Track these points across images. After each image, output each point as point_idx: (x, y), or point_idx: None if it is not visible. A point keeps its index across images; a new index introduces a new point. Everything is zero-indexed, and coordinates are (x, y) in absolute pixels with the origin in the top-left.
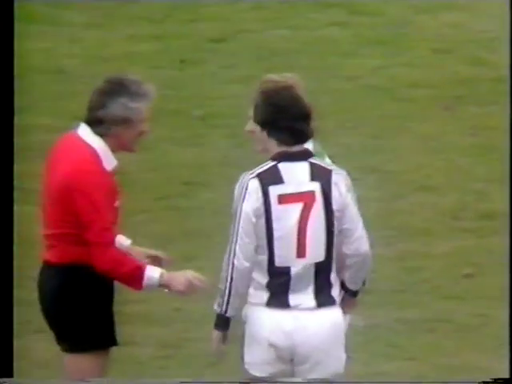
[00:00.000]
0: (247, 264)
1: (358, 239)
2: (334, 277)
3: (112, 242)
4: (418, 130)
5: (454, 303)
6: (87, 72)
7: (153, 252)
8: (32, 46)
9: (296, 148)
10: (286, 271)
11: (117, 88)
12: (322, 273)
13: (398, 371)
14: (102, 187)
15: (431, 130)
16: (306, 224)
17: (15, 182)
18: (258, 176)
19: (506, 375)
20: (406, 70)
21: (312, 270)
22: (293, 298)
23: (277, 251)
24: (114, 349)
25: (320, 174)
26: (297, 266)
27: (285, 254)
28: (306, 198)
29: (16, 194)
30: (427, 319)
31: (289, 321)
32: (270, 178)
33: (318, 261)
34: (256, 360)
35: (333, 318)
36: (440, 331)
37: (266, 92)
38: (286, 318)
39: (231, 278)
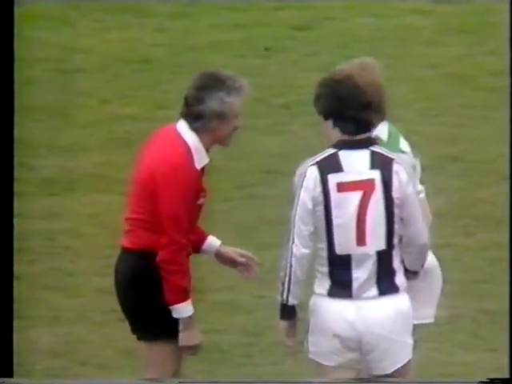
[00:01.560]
0: (305, 250)
1: (416, 230)
2: (397, 264)
3: (183, 245)
4: (500, 120)
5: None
6: (172, 61)
7: (246, 253)
8: (117, 36)
9: (358, 136)
10: (346, 259)
11: (213, 83)
12: (383, 261)
13: (479, 362)
14: (188, 184)
15: None
16: (365, 212)
17: (99, 172)
18: (317, 164)
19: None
20: (489, 59)
21: (374, 258)
22: (355, 287)
23: (336, 239)
24: None
25: (381, 163)
26: (357, 254)
27: (345, 242)
28: (366, 187)
29: (101, 184)
30: (508, 310)
31: (352, 310)
32: (330, 166)
33: (379, 249)
34: (322, 350)
35: (397, 305)
36: None
37: (326, 83)
38: (348, 307)
39: (290, 265)
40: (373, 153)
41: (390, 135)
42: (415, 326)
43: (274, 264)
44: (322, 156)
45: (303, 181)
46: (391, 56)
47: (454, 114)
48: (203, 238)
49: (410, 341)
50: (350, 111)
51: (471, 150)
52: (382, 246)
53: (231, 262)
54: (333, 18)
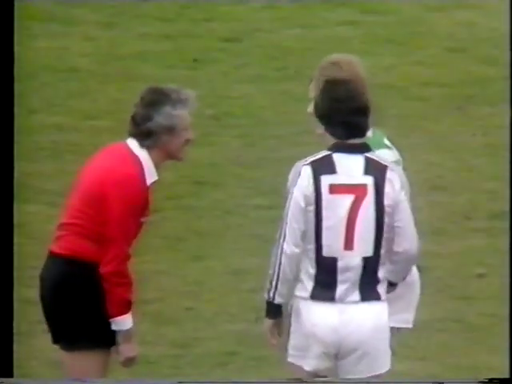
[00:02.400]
0: (296, 249)
1: (408, 238)
2: (382, 274)
3: (128, 257)
4: (430, 129)
5: (466, 303)
6: (100, 71)
7: None
8: (45, 44)
9: (352, 140)
10: (332, 262)
11: (159, 98)
12: (369, 268)
13: (409, 371)
14: (139, 196)
15: (443, 130)
16: (355, 217)
17: (26, 182)
18: (311, 164)
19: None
20: (418, 69)
21: (360, 264)
22: (339, 291)
23: (325, 241)
24: None
25: (374, 169)
26: (344, 258)
27: (332, 245)
28: (358, 191)
29: (27, 194)
30: (438, 319)
31: (334, 314)
32: (323, 167)
33: (365, 255)
34: (303, 353)
35: (377, 312)
36: (451, 331)
37: (322, 86)
38: (331, 311)
39: (280, 263)
40: (367, 158)
41: (374, 132)
42: (392, 333)
43: (202, 276)
44: (317, 157)
45: (297, 179)
46: None
47: (383, 124)
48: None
49: (389, 351)
50: (342, 116)
51: (402, 160)
52: (369, 252)
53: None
54: (262, 29)
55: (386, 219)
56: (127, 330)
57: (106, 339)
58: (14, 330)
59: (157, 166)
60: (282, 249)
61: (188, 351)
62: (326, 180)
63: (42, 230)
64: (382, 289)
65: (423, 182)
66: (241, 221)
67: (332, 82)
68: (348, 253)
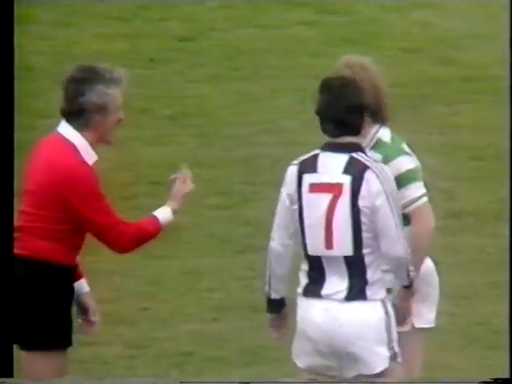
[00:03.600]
0: (280, 247)
1: (390, 241)
2: (372, 275)
3: (120, 222)
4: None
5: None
6: (55, 70)
7: (97, 315)
8: None
9: (341, 139)
10: (318, 260)
11: (91, 76)
12: (353, 268)
13: None
14: (90, 179)
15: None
16: (332, 216)
17: None
18: (299, 163)
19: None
20: None
21: (343, 263)
22: (325, 288)
23: (308, 239)
24: (80, 348)
25: (354, 169)
26: (327, 257)
27: (314, 243)
28: (335, 190)
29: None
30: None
31: (320, 312)
32: (307, 166)
33: (345, 255)
34: (297, 350)
35: (363, 312)
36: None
37: (320, 83)
38: (317, 308)
39: (269, 260)
40: (351, 158)
41: (392, 138)
42: (413, 333)
43: (158, 275)
44: (306, 156)
45: (285, 178)
46: (276, 67)
47: None
48: (78, 277)
49: (382, 351)
50: (331, 113)
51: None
52: (349, 252)
53: (83, 311)
54: (217, 29)
55: (364, 219)
56: (173, 211)
57: (63, 340)
58: None
59: (92, 147)
60: (270, 247)
61: (144, 351)
62: (307, 179)
63: None
64: (371, 291)
65: None
66: (197, 220)
67: (327, 80)
68: (329, 251)
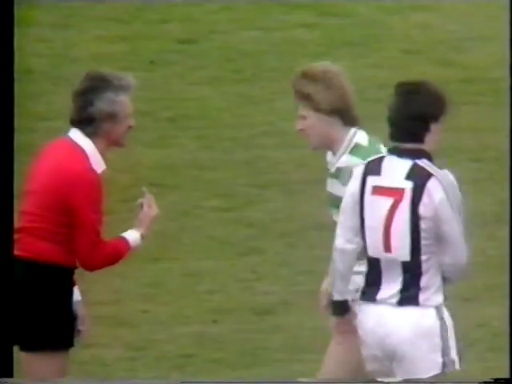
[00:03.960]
0: (346, 245)
1: (454, 251)
2: (426, 281)
3: (102, 241)
4: (386, 131)
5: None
6: (54, 72)
7: (87, 324)
8: None
9: (406, 145)
10: (377, 263)
11: (100, 84)
12: (409, 273)
13: None
14: (96, 187)
15: None
16: (391, 220)
17: None
18: (366, 164)
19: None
20: (374, 71)
21: (400, 268)
22: (381, 292)
23: (368, 240)
24: (80, 350)
25: (417, 175)
26: (384, 260)
27: (374, 245)
28: (396, 195)
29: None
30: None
31: (374, 317)
32: (371, 168)
33: (403, 260)
34: (364, 355)
35: (415, 318)
36: None
37: (395, 86)
38: (372, 313)
39: (334, 259)
40: (415, 164)
41: (369, 141)
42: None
43: (158, 278)
44: (374, 158)
45: (351, 177)
46: (276, 69)
47: None
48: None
49: (435, 357)
50: (394, 118)
51: None
52: (406, 257)
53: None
54: (218, 31)
55: (424, 226)
56: (141, 236)
57: (64, 341)
58: None
59: (102, 154)
60: (334, 244)
61: (144, 354)
62: (371, 181)
63: None
64: (426, 295)
65: None
66: (197, 223)
67: (398, 85)
68: (388, 255)
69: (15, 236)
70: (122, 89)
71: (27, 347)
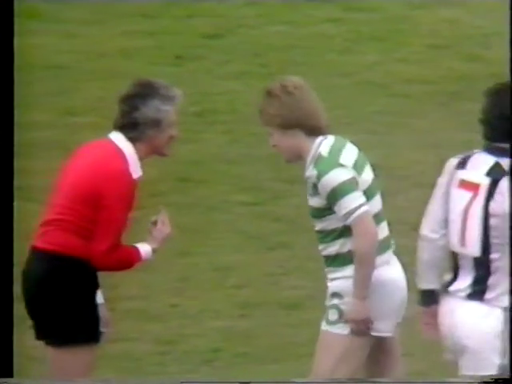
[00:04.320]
0: (428, 234)
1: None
2: (495, 279)
3: (118, 245)
4: (413, 126)
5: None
6: (84, 68)
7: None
8: (30, 42)
9: (497, 144)
10: (455, 255)
11: (147, 91)
12: (479, 269)
13: None
14: (130, 190)
15: (426, 126)
16: (467, 214)
17: (15, 179)
18: (459, 158)
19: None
20: (401, 66)
21: (472, 263)
22: (454, 284)
23: (451, 233)
24: (110, 345)
25: (495, 173)
26: (461, 254)
27: (453, 238)
28: (475, 189)
29: (16, 192)
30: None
31: (445, 306)
32: (461, 163)
33: (474, 255)
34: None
35: (482, 315)
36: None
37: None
38: (445, 303)
39: (418, 247)
40: (496, 162)
41: (331, 150)
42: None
43: (187, 272)
44: (467, 152)
45: (444, 168)
46: (304, 64)
47: (367, 121)
48: None
49: (494, 358)
50: (485, 116)
51: (386, 157)
52: (477, 253)
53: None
54: (245, 25)
55: (494, 224)
56: (153, 250)
57: (92, 335)
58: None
59: (141, 160)
60: (419, 233)
61: (173, 348)
62: (459, 174)
63: (28, 227)
64: (492, 294)
65: (406, 179)
66: (225, 217)
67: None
68: (462, 249)
69: (41, 229)
70: (168, 99)
71: (55, 342)
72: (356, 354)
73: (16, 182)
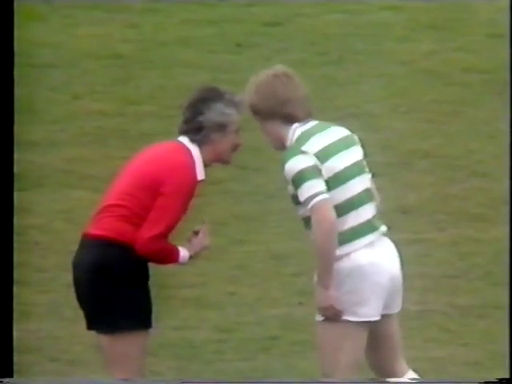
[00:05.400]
0: None
1: None
2: None
3: (162, 237)
4: (470, 115)
5: (507, 289)
6: (143, 57)
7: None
8: (88, 31)
9: None
10: None
11: (211, 95)
12: None
13: (451, 357)
14: (192, 187)
15: (484, 115)
16: None
17: (70, 167)
18: None
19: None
20: (459, 55)
21: None
22: None
23: None
24: (168, 332)
25: None
26: None
27: None
28: None
29: (71, 180)
30: (479, 305)
31: None
32: None
33: None
34: None
35: None
36: (492, 317)
37: None
38: None
39: None
40: None
41: (298, 137)
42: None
43: (244, 260)
44: None
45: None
46: (362, 52)
47: (424, 110)
48: None
49: None
50: None
51: (442, 146)
52: None
53: None
54: (303, 14)
55: None
56: (190, 257)
57: (145, 321)
58: (59, 316)
59: (205, 164)
60: None
61: (231, 336)
62: None
63: (86, 216)
64: None
65: (463, 168)
66: (283, 205)
67: None
68: None
69: (96, 216)
70: (233, 104)
71: (110, 329)
72: (349, 339)
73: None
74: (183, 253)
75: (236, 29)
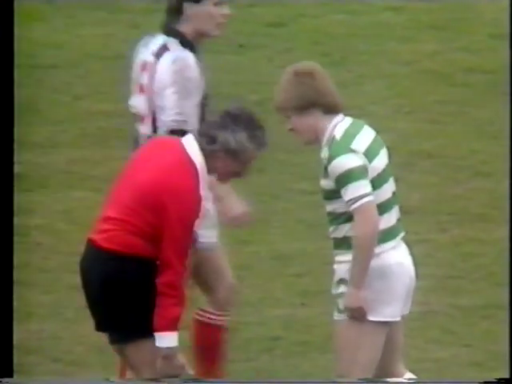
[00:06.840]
0: None
1: None
2: None
3: (184, 270)
4: (474, 116)
5: (509, 290)
6: None
7: None
8: (91, 32)
9: None
10: None
11: (244, 123)
12: None
13: (453, 358)
14: (196, 208)
15: (487, 116)
16: None
17: (72, 168)
18: None
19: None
20: (462, 55)
21: None
22: None
23: None
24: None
25: None
26: None
27: None
28: None
29: (73, 180)
30: (482, 306)
31: None
32: None
33: None
34: None
35: None
36: (495, 318)
37: None
38: None
39: None
40: None
41: (344, 134)
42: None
43: (247, 260)
44: None
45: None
46: (365, 53)
47: (427, 110)
48: None
49: None
50: None
51: (445, 146)
52: None
53: None
54: (306, 14)
55: None
56: (167, 349)
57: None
58: (61, 317)
59: (209, 172)
60: None
61: (233, 336)
62: None
63: (89, 217)
64: None
65: (466, 169)
66: (286, 206)
67: None
68: None
69: (104, 225)
70: (257, 142)
71: (128, 338)
72: (371, 339)
73: (75, 171)
74: (174, 337)
75: (239, 29)
